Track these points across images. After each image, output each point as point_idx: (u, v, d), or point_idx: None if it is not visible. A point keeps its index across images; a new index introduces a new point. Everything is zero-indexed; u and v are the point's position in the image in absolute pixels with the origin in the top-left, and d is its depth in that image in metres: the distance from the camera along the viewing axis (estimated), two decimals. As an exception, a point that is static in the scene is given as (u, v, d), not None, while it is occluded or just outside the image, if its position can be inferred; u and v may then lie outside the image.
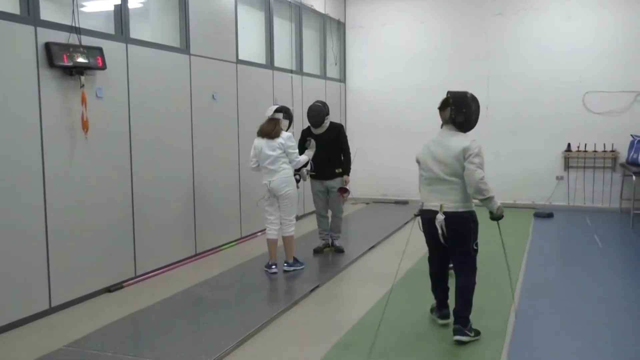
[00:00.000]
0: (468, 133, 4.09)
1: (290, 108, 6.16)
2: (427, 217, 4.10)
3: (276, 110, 5.73)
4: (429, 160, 4.08)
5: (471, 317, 4.12)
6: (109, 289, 5.28)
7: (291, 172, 5.73)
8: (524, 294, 5.16)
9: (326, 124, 6.29)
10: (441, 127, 4.13)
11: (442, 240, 4.05)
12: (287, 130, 5.78)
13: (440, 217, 3.96)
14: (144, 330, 4.52)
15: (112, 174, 5.32)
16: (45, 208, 4.62)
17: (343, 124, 9.99)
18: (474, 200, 4.04)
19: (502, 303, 4.80)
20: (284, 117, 5.73)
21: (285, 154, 5.65)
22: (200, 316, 4.83)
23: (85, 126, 4.87)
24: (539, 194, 9.78)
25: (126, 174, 5.49)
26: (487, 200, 3.93)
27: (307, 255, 6.45)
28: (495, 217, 4.01)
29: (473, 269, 4.10)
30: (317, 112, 6.22)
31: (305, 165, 6.08)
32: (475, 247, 4.04)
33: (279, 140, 5.63)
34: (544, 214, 9.05)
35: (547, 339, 4.18)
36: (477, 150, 3.91)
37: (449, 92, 4.10)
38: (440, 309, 4.40)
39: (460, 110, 4.01)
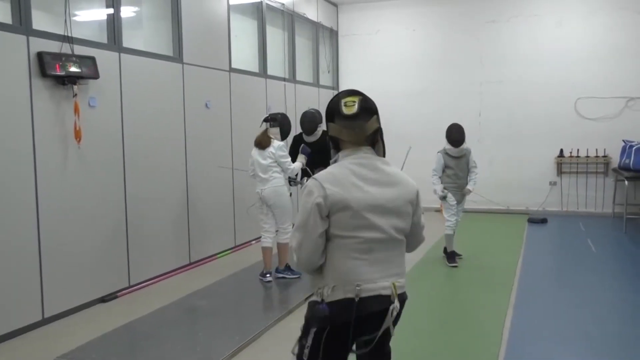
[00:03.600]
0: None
1: (284, 113, 6.17)
2: (364, 312, 2.24)
3: (264, 120, 5.78)
4: (368, 210, 2.27)
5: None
6: (103, 299, 5.25)
7: (282, 182, 5.74)
8: (519, 300, 5.17)
9: (318, 132, 6.29)
10: (349, 151, 2.52)
11: (365, 343, 2.33)
12: (281, 138, 5.80)
13: (396, 306, 2.28)
14: (139, 340, 4.48)
15: (105, 183, 5.30)
16: (37, 217, 4.59)
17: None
18: None
19: (497, 311, 4.80)
20: (272, 125, 5.76)
21: (276, 163, 5.67)
22: (194, 325, 4.80)
23: (77, 135, 4.86)
24: (533, 199, 9.81)
25: (119, 183, 5.47)
26: None
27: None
28: None
29: None
30: (310, 118, 6.21)
31: (301, 176, 6.08)
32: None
33: (270, 149, 5.65)
34: (537, 220, 9.08)
35: (542, 344, 4.18)
36: None
37: (355, 92, 2.62)
38: None
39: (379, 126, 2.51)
